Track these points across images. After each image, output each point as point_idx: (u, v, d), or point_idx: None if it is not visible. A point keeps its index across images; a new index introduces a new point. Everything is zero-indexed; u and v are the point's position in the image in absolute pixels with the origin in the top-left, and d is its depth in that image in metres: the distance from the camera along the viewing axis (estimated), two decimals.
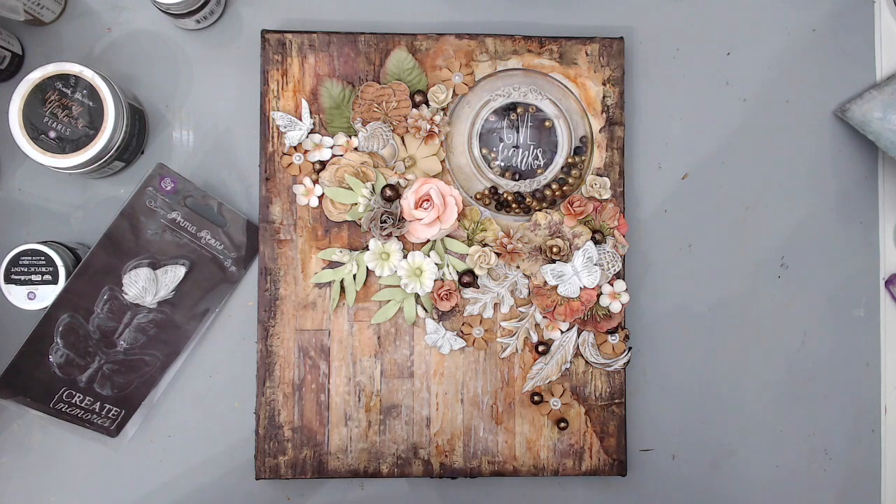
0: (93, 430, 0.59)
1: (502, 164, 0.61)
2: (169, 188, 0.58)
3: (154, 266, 0.58)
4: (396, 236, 0.59)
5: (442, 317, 0.60)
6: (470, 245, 0.60)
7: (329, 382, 0.60)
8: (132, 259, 0.58)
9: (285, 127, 0.59)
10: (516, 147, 0.61)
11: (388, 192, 0.59)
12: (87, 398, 0.58)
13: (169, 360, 0.60)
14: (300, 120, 0.59)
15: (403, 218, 0.59)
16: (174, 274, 0.59)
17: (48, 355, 0.57)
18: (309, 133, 0.60)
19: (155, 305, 0.59)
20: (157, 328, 0.59)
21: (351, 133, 0.60)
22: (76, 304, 0.57)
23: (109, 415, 0.59)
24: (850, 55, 0.66)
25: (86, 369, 0.58)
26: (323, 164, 0.60)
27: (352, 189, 0.59)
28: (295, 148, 0.60)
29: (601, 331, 0.60)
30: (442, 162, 0.60)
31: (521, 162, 0.61)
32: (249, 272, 0.61)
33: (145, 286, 0.58)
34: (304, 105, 0.59)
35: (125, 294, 0.58)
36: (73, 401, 0.58)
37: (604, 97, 0.61)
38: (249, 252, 0.61)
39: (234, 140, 0.62)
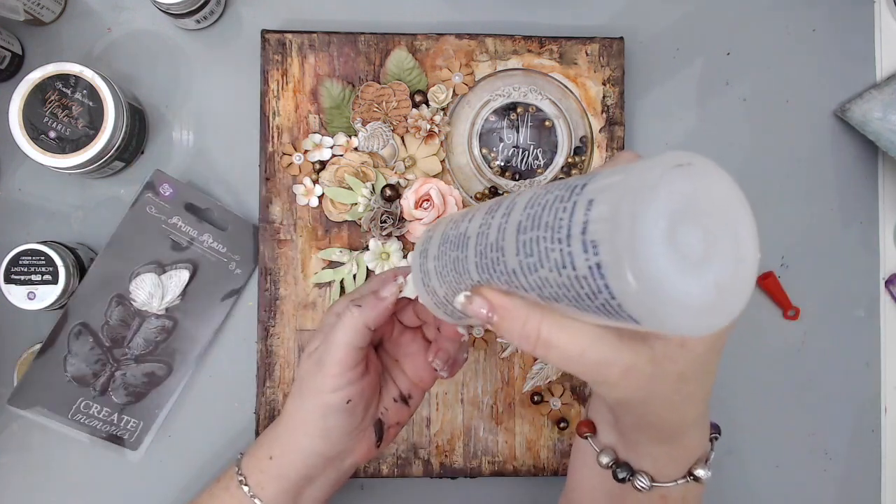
0: (114, 443, 0.59)
1: (502, 164, 0.61)
2: (168, 193, 0.58)
3: (159, 271, 0.58)
4: (396, 236, 0.59)
5: None
6: None
7: None
8: (136, 265, 0.58)
9: None
10: (516, 147, 0.61)
11: (388, 192, 0.59)
12: (105, 409, 0.58)
13: (180, 365, 0.60)
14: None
15: (403, 218, 0.59)
16: (178, 278, 0.58)
17: (63, 366, 0.57)
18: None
19: (163, 311, 0.59)
20: (167, 334, 0.59)
21: (351, 133, 0.60)
22: (86, 312, 0.57)
23: (128, 426, 0.59)
24: (850, 55, 0.66)
25: (100, 378, 0.58)
26: (323, 164, 0.60)
27: (352, 189, 0.59)
28: (295, 147, 0.60)
29: None
30: (442, 162, 0.60)
31: (521, 162, 0.61)
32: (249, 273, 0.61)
33: (152, 291, 0.58)
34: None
35: (133, 301, 0.58)
36: (91, 412, 0.58)
37: (604, 97, 0.61)
38: (252, 253, 0.61)
39: (234, 140, 0.62)
